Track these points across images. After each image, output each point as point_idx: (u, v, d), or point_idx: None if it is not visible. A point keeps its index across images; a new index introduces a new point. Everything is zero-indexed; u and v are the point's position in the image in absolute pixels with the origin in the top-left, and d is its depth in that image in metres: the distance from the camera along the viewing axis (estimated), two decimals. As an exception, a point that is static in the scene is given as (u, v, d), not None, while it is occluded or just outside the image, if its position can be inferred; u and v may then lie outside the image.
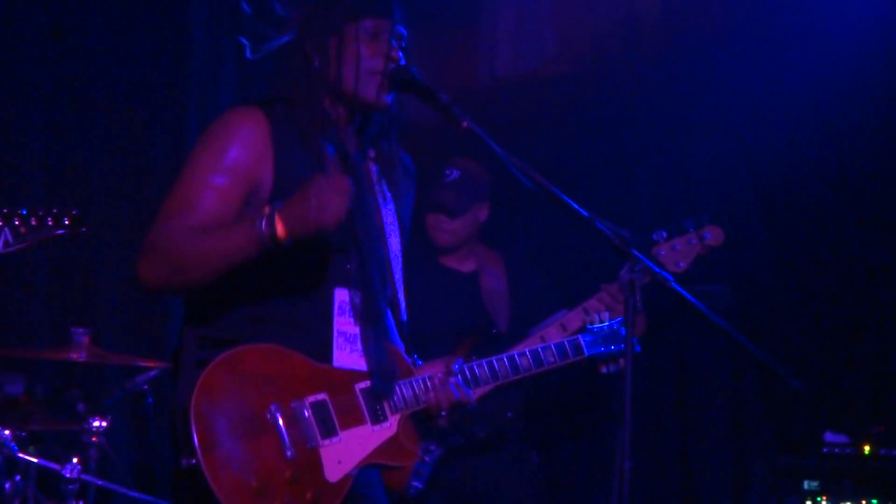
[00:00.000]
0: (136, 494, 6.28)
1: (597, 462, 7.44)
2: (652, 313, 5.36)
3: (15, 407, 6.24)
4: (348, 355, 4.04)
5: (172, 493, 4.11)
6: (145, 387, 6.39)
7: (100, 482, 6.12)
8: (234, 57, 7.52)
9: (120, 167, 7.19)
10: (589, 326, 4.98)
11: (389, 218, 4.20)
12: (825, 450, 6.50)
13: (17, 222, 4.71)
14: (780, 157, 7.42)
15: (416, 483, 5.78)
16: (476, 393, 5.36)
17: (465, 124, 3.87)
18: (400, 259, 4.24)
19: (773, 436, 7.34)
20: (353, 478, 3.99)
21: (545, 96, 7.72)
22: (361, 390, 4.05)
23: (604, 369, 4.91)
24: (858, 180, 7.27)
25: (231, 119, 4.03)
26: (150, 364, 6.31)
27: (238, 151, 3.94)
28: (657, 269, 3.78)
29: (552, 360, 4.69)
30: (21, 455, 5.91)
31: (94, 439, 6.16)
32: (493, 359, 4.45)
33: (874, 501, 6.26)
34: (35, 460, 5.97)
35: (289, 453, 3.88)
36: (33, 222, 4.72)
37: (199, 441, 3.77)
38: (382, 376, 4.06)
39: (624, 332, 4.38)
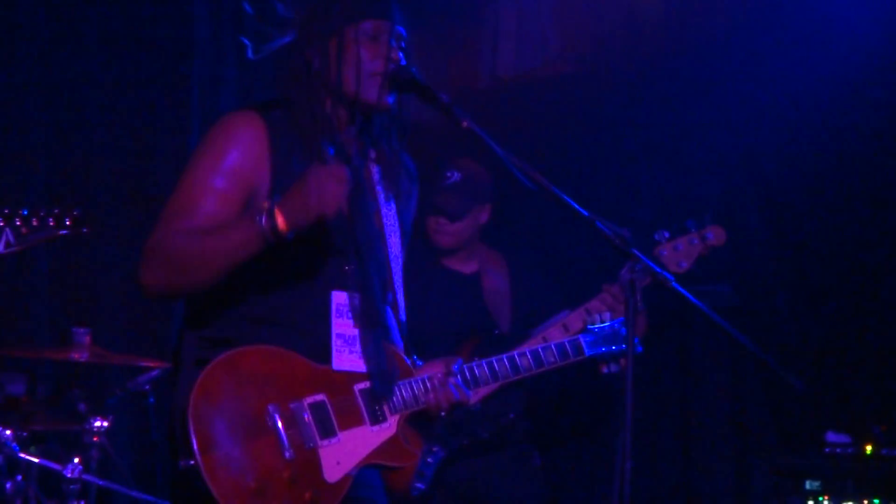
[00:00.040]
0: (137, 494, 6.28)
1: (599, 462, 7.44)
2: (653, 313, 5.36)
3: (16, 407, 6.25)
4: (347, 357, 4.03)
5: (171, 494, 4.11)
6: (147, 387, 6.39)
7: (101, 482, 6.13)
8: (236, 57, 7.52)
9: (121, 167, 7.20)
10: (590, 326, 4.98)
11: (390, 219, 4.20)
12: (827, 450, 6.50)
13: (18, 223, 4.71)
14: (782, 156, 7.42)
15: (418, 484, 5.78)
16: (478, 394, 5.36)
17: (465, 124, 3.86)
18: (400, 260, 4.24)
19: (775, 436, 7.34)
20: (352, 478, 3.98)
21: (547, 96, 7.72)
22: (360, 391, 4.05)
23: (605, 369, 4.91)
24: (860, 180, 7.27)
25: (228, 124, 4.03)
26: (152, 364, 6.31)
27: (236, 155, 3.95)
28: (658, 269, 3.78)
29: (552, 360, 4.68)
30: (22, 455, 5.92)
31: (95, 439, 6.17)
32: (493, 359, 4.44)
33: (876, 501, 6.26)
34: (36, 460, 5.97)
35: (287, 454, 3.88)
36: (35, 223, 4.72)
37: (197, 442, 3.77)
38: (382, 378, 4.06)
39: (625, 332, 4.38)
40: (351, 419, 4.02)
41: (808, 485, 6.40)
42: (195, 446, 3.77)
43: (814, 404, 7.12)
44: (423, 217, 6.03)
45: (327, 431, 3.96)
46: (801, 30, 7.18)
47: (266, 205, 3.78)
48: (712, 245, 5.17)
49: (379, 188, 4.19)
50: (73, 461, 6.00)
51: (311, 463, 3.91)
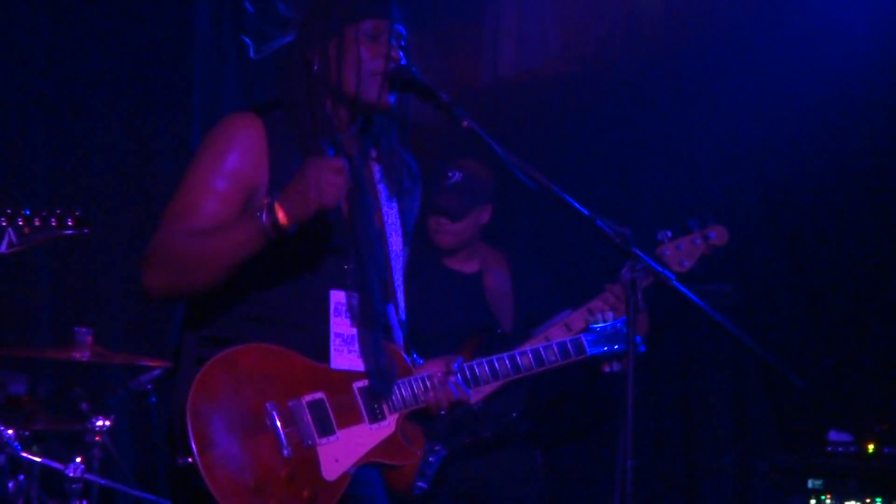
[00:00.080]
0: (139, 494, 6.29)
1: (600, 461, 7.43)
2: (655, 313, 5.36)
3: (18, 406, 6.25)
4: (346, 356, 4.04)
5: (170, 492, 4.11)
6: (148, 386, 6.40)
7: (103, 481, 6.14)
8: (237, 57, 7.52)
9: (123, 167, 7.20)
10: (592, 325, 4.98)
11: (391, 218, 4.20)
12: (829, 448, 6.49)
13: (20, 222, 4.72)
14: (785, 156, 7.42)
15: (420, 483, 5.77)
16: (480, 393, 5.37)
17: (465, 124, 3.86)
18: (401, 258, 4.24)
19: (777, 434, 7.33)
20: (350, 476, 3.98)
21: (548, 96, 7.72)
22: (359, 389, 4.05)
23: (606, 369, 4.90)
24: (863, 179, 7.27)
25: (227, 125, 4.05)
26: (154, 363, 6.32)
27: (236, 157, 3.96)
28: (658, 268, 3.78)
29: (553, 359, 4.68)
30: (24, 454, 5.93)
31: (97, 439, 6.17)
32: (494, 358, 4.44)
33: (878, 500, 6.25)
34: (38, 460, 5.98)
35: (285, 452, 3.88)
36: (37, 223, 4.73)
37: (195, 439, 3.78)
38: (380, 376, 4.06)
39: (625, 331, 4.38)
40: (350, 417, 4.02)
41: (810, 483, 6.39)
42: (193, 444, 3.77)
43: (816, 403, 7.11)
44: (424, 217, 6.02)
45: (326, 430, 3.96)
46: (802, 29, 7.18)
47: (266, 201, 3.79)
48: (715, 245, 5.18)
49: (381, 187, 4.19)
50: (74, 461, 6.00)
51: (309, 461, 3.92)
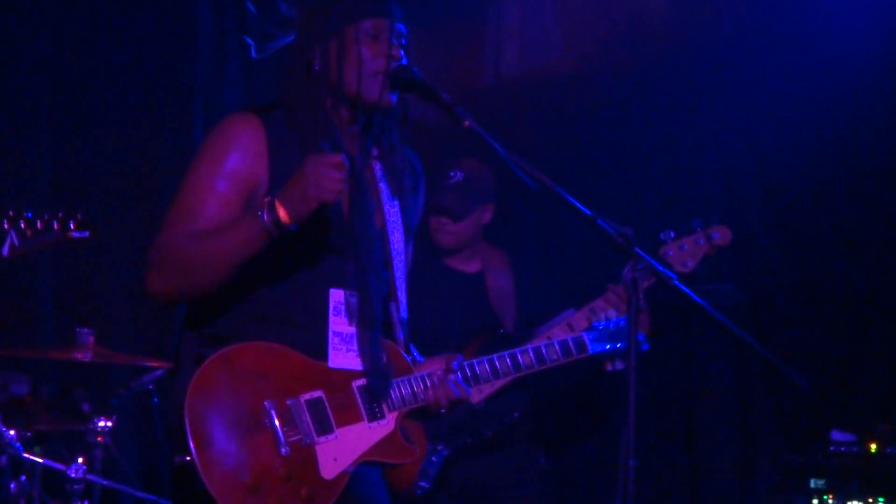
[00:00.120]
0: (141, 494, 6.28)
1: (603, 461, 7.43)
2: (657, 312, 5.36)
3: (20, 407, 6.24)
4: (344, 356, 4.05)
5: (170, 491, 4.12)
6: (150, 387, 6.40)
7: (105, 482, 6.13)
8: (239, 56, 7.53)
9: (125, 167, 7.19)
10: (594, 324, 4.97)
11: (393, 216, 4.20)
12: (832, 448, 6.49)
13: (23, 225, 4.71)
14: (788, 156, 7.41)
15: (422, 483, 5.77)
16: (482, 393, 5.37)
17: (467, 123, 3.86)
18: (403, 256, 4.24)
19: (780, 434, 7.33)
20: (349, 475, 3.99)
21: (550, 95, 7.71)
22: (358, 388, 4.06)
23: (609, 367, 4.90)
24: (864, 179, 7.26)
25: (226, 126, 4.06)
26: (156, 364, 6.32)
27: (236, 157, 3.97)
28: (660, 268, 3.78)
29: (555, 357, 4.68)
30: (26, 455, 5.92)
31: (99, 439, 6.17)
32: (495, 356, 4.44)
33: (881, 500, 6.25)
34: (40, 460, 5.98)
35: (283, 451, 3.89)
36: (39, 226, 4.73)
37: (192, 438, 3.80)
38: (378, 376, 4.06)
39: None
40: (348, 416, 4.02)
41: (812, 483, 6.40)
42: (191, 443, 3.79)
43: (818, 403, 7.11)
44: (425, 217, 6.03)
45: (324, 428, 3.97)
46: (805, 29, 7.18)
47: (266, 199, 3.80)
48: (718, 245, 5.17)
49: (382, 185, 4.19)
50: (76, 461, 6.00)
51: (307, 460, 3.93)
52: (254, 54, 7.50)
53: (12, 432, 5.91)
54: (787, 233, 7.47)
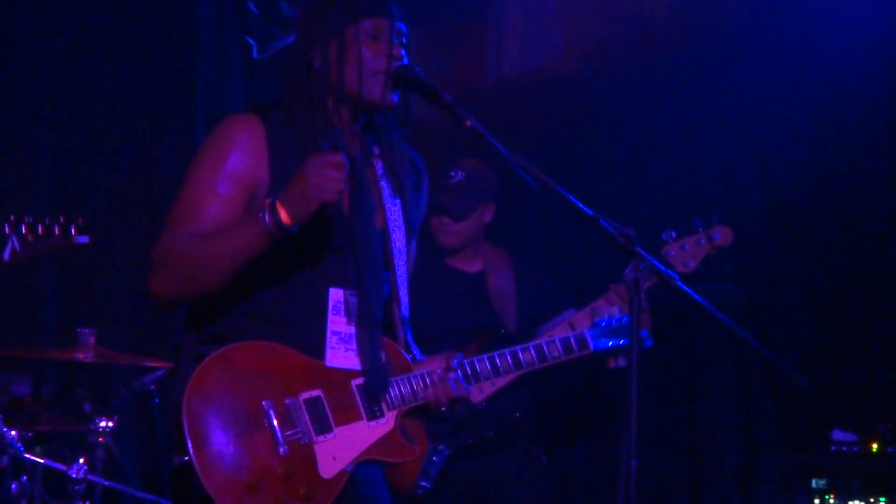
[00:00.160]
0: (142, 495, 6.28)
1: (605, 461, 7.43)
2: (659, 312, 5.36)
3: (21, 407, 6.24)
4: (342, 355, 4.04)
5: (170, 491, 4.12)
6: (152, 387, 6.40)
7: (106, 482, 6.13)
8: (241, 57, 7.53)
9: (126, 167, 7.20)
10: (597, 321, 4.97)
11: (394, 214, 4.20)
12: (833, 448, 6.49)
13: (24, 230, 4.71)
14: (789, 155, 7.41)
15: (423, 483, 5.77)
16: (484, 393, 5.37)
17: (468, 123, 3.87)
18: (404, 254, 4.24)
19: (781, 434, 7.33)
20: (348, 474, 3.99)
21: (551, 95, 7.72)
22: (357, 386, 4.06)
23: (612, 364, 4.90)
24: (866, 178, 7.26)
25: (227, 127, 4.06)
26: (157, 364, 6.32)
27: (236, 158, 3.98)
28: (662, 268, 3.78)
29: (556, 354, 4.67)
30: (27, 455, 5.91)
31: (100, 439, 6.17)
32: (495, 354, 4.43)
33: (882, 499, 6.26)
34: (41, 461, 5.97)
35: (282, 450, 3.89)
36: (40, 231, 4.72)
37: (190, 438, 3.80)
38: (376, 375, 4.05)
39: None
40: (347, 414, 4.02)
41: (814, 483, 6.40)
42: (189, 442, 3.79)
43: (820, 403, 7.12)
44: (426, 216, 6.03)
45: (323, 427, 3.97)
46: (807, 29, 7.18)
47: (268, 201, 3.80)
48: (719, 245, 5.17)
49: (383, 184, 4.19)
50: (78, 461, 6.00)
51: (306, 458, 3.93)
52: (255, 54, 7.50)
53: (13, 433, 5.90)
54: (789, 233, 7.47)
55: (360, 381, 4.06)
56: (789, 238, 7.47)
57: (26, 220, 4.75)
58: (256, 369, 3.93)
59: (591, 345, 4.82)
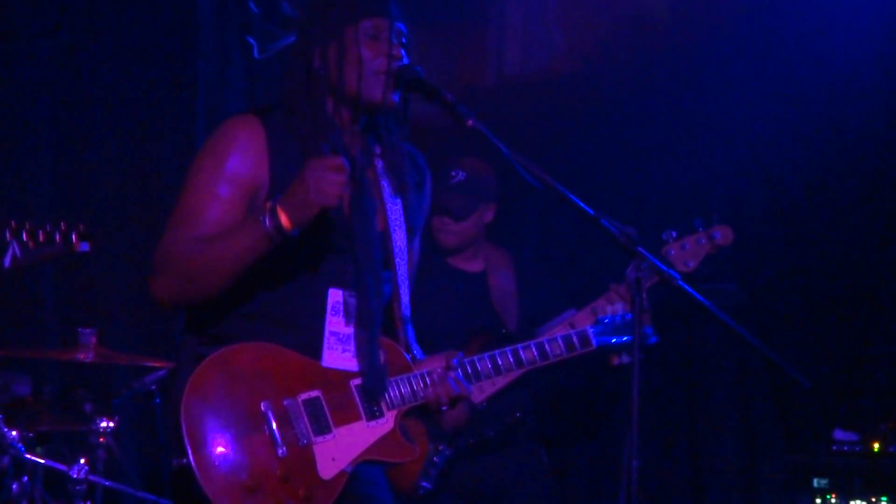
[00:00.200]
0: (143, 495, 6.28)
1: (606, 460, 7.43)
2: (660, 312, 5.35)
3: (22, 408, 6.24)
4: (340, 355, 4.04)
5: (170, 492, 4.12)
6: (153, 387, 6.39)
7: (107, 483, 6.13)
8: (241, 57, 7.53)
9: (127, 168, 7.19)
10: (600, 318, 4.96)
11: (395, 214, 4.19)
12: (834, 447, 6.49)
13: (24, 237, 4.71)
14: (790, 155, 7.41)
15: (424, 483, 5.77)
16: (484, 393, 5.36)
17: (470, 123, 3.87)
18: (405, 254, 4.23)
19: (783, 434, 7.33)
20: (348, 475, 3.98)
21: (553, 95, 7.71)
22: (357, 387, 4.05)
23: (616, 361, 4.88)
24: (867, 177, 7.26)
25: (227, 128, 4.06)
26: (158, 364, 6.31)
27: (236, 160, 3.98)
28: (663, 267, 3.77)
29: (558, 352, 4.64)
30: (28, 456, 5.92)
31: (101, 440, 6.17)
32: (496, 352, 4.41)
33: (883, 499, 6.25)
34: (42, 461, 5.98)
35: (280, 451, 3.89)
36: (41, 237, 4.72)
37: (188, 440, 3.80)
38: (374, 375, 4.04)
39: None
40: (346, 415, 4.02)
41: (815, 482, 6.39)
42: (187, 444, 3.80)
43: (821, 402, 7.11)
44: (428, 216, 6.03)
45: (322, 428, 3.97)
46: (808, 28, 7.18)
47: (268, 205, 3.80)
48: (720, 244, 5.17)
49: (384, 183, 4.19)
50: (79, 462, 6.00)
51: (305, 460, 3.92)
52: (256, 54, 7.50)
53: (14, 433, 5.90)
54: (790, 232, 7.46)
55: (359, 381, 4.06)
56: (790, 237, 7.47)
57: (27, 226, 4.75)
58: (255, 370, 3.93)
59: (593, 341, 4.80)
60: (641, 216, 7.03)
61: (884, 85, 7.15)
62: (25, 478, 5.97)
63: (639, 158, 7.77)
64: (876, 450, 6.39)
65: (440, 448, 5.81)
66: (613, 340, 4.84)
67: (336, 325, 4.04)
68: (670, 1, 7.44)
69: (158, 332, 6.95)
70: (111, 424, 6.19)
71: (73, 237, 4.70)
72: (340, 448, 3.98)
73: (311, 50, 4.07)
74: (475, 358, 4.32)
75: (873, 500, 6.27)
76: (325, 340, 4.02)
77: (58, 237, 4.69)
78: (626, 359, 4.93)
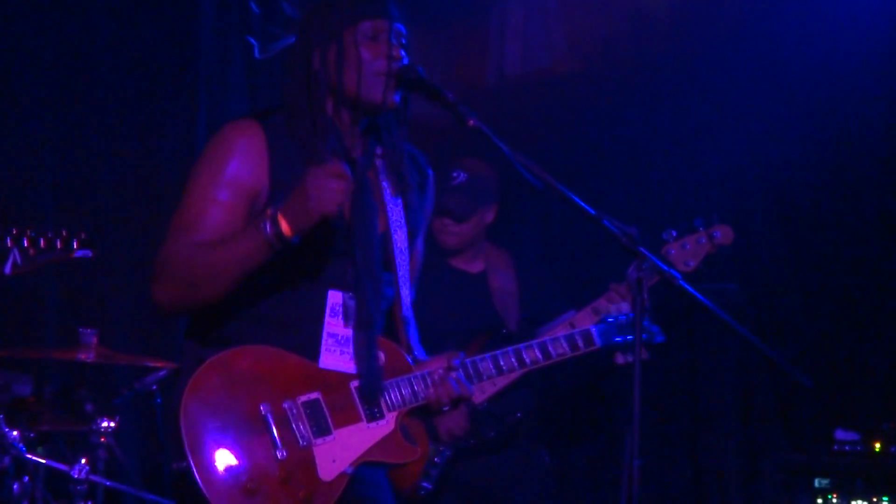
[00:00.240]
0: (144, 495, 6.27)
1: (607, 461, 7.43)
2: (661, 312, 5.35)
3: (23, 408, 6.24)
4: (338, 357, 4.03)
5: (173, 495, 4.12)
6: (154, 387, 6.39)
7: (108, 483, 6.12)
8: (242, 57, 7.52)
9: (129, 167, 7.19)
10: (604, 317, 4.95)
11: (396, 215, 4.19)
12: (836, 447, 6.49)
13: (25, 244, 4.71)
14: (790, 154, 7.41)
15: (425, 484, 5.78)
16: (485, 394, 5.36)
17: (471, 123, 3.86)
18: (406, 255, 4.22)
19: (784, 434, 7.33)
20: (348, 476, 3.98)
21: (554, 95, 7.72)
22: (356, 388, 4.05)
23: (621, 360, 4.87)
24: (868, 177, 7.26)
25: (226, 134, 4.05)
26: (159, 364, 6.31)
27: (236, 165, 3.98)
28: (664, 267, 3.77)
29: (561, 351, 4.63)
30: (29, 456, 5.91)
31: (102, 440, 6.16)
32: (498, 352, 4.39)
33: (885, 499, 6.25)
34: (43, 461, 5.97)
35: (280, 453, 3.89)
36: (42, 244, 4.72)
37: (188, 443, 3.81)
38: (370, 377, 4.04)
39: (643, 322, 4.34)
40: (346, 416, 4.02)
41: (817, 482, 6.39)
42: (186, 448, 3.80)
43: (822, 402, 7.11)
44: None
45: (321, 429, 3.96)
46: (808, 28, 7.18)
47: (269, 212, 3.80)
48: (720, 244, 5.16)
49: (385, 184, 4.18)
50: (80, 462, 5.99)
51: (305, 461, 3.92)
52: (257, 55, 7.50)
53: (15, 433, 5.90)
54: (791, 232, 7.46)
55: (358, 382, 4.06)
56: (790, 237, 7.47)
57: (28, 233, 4.75)
58: (255, 373, 3.93)
59: (597, 341, 4.80)
60: (642, 216, 7.04)
61: (884, 85, 7.16)
62: (26, 478, 5.97)
63: (639, 158, 7.77)
64: (877, 450, 6.39)
65: (441, 448, 5.81)
66: (617, 339, 4.84)
67: (335, 326, 4.03)
68: (670, 1, 7.44)
69: (159, 332, 6.96)
70: (112, 424, 6.19)
71: (75, 244, 4.71)
72: (340, 449, 3.98)
73: (311, 52, 4.07)
74: (477, 358, 4.31)
75: (875, 500, 6.27)
76: (323, 342, 4.01)
77: (59, 244, 4.69)
78: (631, 357, 4.92)
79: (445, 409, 4.16)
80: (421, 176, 4.31)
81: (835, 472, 6.39)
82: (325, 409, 3.98)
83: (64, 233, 4.74)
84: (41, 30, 6.97)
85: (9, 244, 4.75)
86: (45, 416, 6.27)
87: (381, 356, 4.09)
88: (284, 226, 3.78)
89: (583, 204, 3.79)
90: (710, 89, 7.48)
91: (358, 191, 4.01)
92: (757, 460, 7.33)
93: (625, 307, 5.04)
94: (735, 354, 7.44)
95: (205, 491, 3.78)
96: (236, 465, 3.83)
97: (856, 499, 6.29)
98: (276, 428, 3.90)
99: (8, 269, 4.77)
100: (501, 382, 5.34)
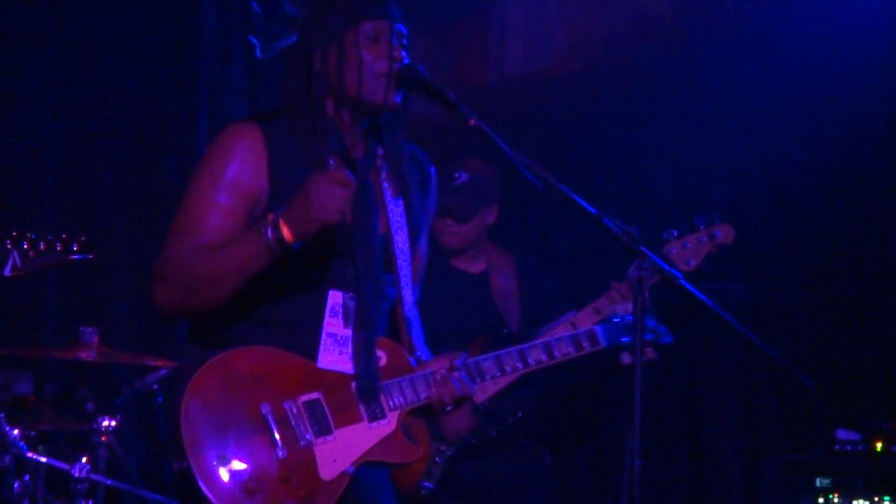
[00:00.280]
0: (145, 494, 6.28)
1: (608, 460, 7.43)
2: (662, 311, 5.35)
3: (24, 406, 6.25)
4: (337, 357, 4.03)
5: (177, 494, 4.13)
6: (155, 386, 6.39)
7: (109, 482, 6.12)
8: (243, 57, 7.52)
9: (129, 167, 7.19)
10: (609, 317, 4.95)
11: (397, 215, 4.19)
12: (837, 447, 6.48)
13: (25, 246, 4.71)
14: (792, 153, 7.41)
15: (426, 483, 5.77)
16: (486, 393, 5.35)
17: (472, 122, 3.86)
18: (407, 255, 4.22)
19: (785, 433, 7.32)
20: (350, 476, 3.98)
21: (555, 94, 7.72)
22: (358, 388, 4.04)
23: (626, 359, 4.86)
24: (870, 176, 7.25)
25: (226, 137, 4.06)
26: (160, 363, 6.31)
27: (236, 168, 3.98)
28: (666, 267, 3.77)
29: (565, 351, 4.62)
30: (30, 455, 5.92)
31: (103, 439, 6.16)
32: (501, 352, 4.38)
33: (886, 498, 6.25)
34: (44, 460, 5.97)
35: (280, 453, 3.89)
36: (42, 247, 4.72)
37: (188, 444, 3.81)
38: (367, 377, 4.03)
39: (650, 323, 4.33)
40: (347, 416, 4.02)
41: (818, 482, 6.39)
42: (186, 448, 3.81)
43: (824, 401, 7.11)
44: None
45: (322, 429, 3.96)
46: (810, 28, 7.18)
47: (271, 217, 3.80)
48: (721, 243, 5.15)
49: (386, 185, 4.18)
50: (80, 461, 6.00)
51: (305, 461, 3.92)
52: (258, 54, 7.50)
53: (16, 432, 5.90)
54: (792, 231, 7.46)
55: (356, 382, 4.06)
56: (791, 236, 7.47)
57: (28, 236, 4.74)
58: (255, 374, 3.93)
59: (601, 340, 4.79)
60: (642, 215, 7.03)
61: (885, 84, 7.15)
62: (27, 476, 5.97)
63: (640, 157, 7.77)
64: (879, 449, 6.39)
65: (442, 448, 5.81)
66: (623, 339, 4.83)
67: (334, 326, 4.03)
68: (671, 1, 7.44)
69: (160, 330, 6.96)
70: (113, 423, 6.19)
71: (74, 247, 4.71)
72: (341, 449, 3.98)
73: (312, 52, 4.06)
74: (480, 358, 4.30)
75: (876, 499, 6.27)
76: (322, 342, 4.01)
77: (58, 247, 4.70)
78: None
79: (448, 409, 4.15)
80: (422, 174, 4.31)
81: (836, 471, 6.39)
82: (326, 409, 3.98)
83: (64, 236, 4.74)
84: (41, 30, 6.98)
85: (8, 246, 4.75)
86: (46, 414, 6.28)
87: (382, 356, 4.09)
88: (286, 231, 3.78)
89: (584, 203, 3.79)
90: (711, 89, 7.48)
91: (359, 192, 4.00)
92: (758, 460, 7.32)
93: (630, 307, 5.03)
94: (736, 354, 7.43)
95: (205, 490, 3.79)
96: (237, 465, 3.84)
97: (857, 498, 6.29)
98: (277, 428, 3.90)
99: (7, 271, 4.77)
100: (503, 382, 5.32)
